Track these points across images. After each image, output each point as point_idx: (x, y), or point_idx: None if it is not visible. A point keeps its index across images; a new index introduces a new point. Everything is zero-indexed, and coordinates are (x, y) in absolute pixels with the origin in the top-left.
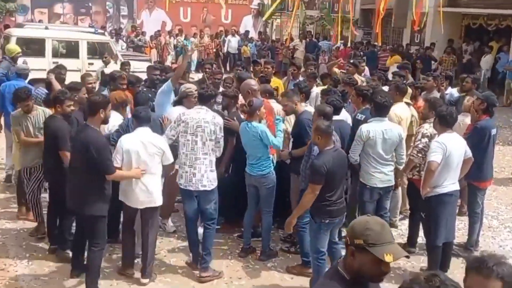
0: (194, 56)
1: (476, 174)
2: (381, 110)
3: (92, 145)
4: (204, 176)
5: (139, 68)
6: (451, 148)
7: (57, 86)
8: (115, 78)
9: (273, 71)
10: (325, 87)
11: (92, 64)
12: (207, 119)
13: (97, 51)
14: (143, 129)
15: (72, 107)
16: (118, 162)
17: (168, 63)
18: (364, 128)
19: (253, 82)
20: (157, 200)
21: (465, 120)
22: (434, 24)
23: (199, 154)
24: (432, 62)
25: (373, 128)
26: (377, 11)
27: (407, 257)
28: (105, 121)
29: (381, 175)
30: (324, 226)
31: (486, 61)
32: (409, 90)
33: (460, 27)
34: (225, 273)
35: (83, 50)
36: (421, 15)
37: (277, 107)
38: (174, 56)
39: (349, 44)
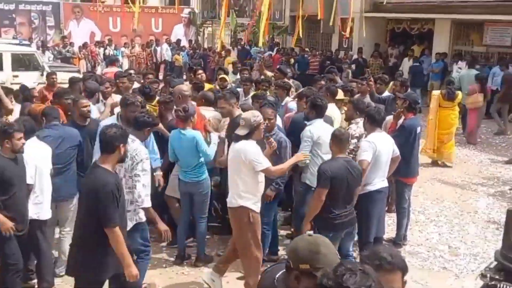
0: (125, 65)
1: (404, 171)
2: (321, 111)
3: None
4: None
5: (66, 79)
6: (380, 147)
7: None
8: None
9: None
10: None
11: (17, 76)
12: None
13: (23, 63)
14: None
15: (23, 140)
16: None
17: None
18: (312, 129)
19: (184, 88)
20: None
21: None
22: (361, 29)
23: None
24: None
25: (319, 129)
26: (296, 16)
27: None
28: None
29: None
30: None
31: (409, 64)
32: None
33: (385, 31)
34: (158, 281)
35: (7, 62)
36: (346, 20)
37: (212, 115)
38: (105, 67)
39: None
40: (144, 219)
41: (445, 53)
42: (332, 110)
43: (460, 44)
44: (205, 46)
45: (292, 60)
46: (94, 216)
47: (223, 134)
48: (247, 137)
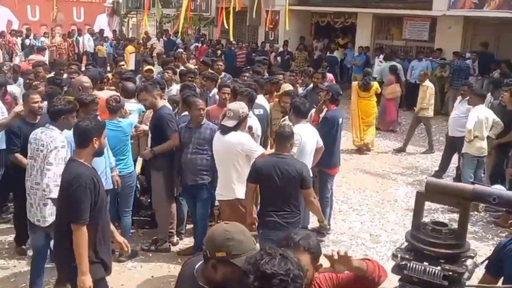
0: (46, 56)
1: (327, 161)
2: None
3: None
4: (38, 209)
5: None
6: (305, 138)
7: None
8: None
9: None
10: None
11: None
12: (44, 141)
13: None
14: None
15: None
16: None
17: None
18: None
19: (84, 79)
20: None
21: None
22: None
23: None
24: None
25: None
26: (220, 9)
27: None
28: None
29: None
30: (260, 236)
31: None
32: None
33: (310, 25)
34: None
35: None
36: (272, 13)
37: (131, 107)
38: (23, 57)
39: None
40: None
41: (368, 46)
42: (261, 101)
43: (381, 38)
44: (129, 36)
45: (218, 52)
46: (66, 210)
47: (146, 126)
48: (235, 128)
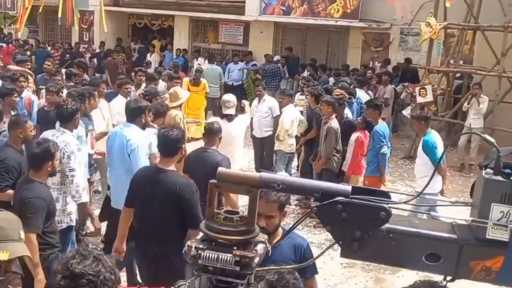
0: None
1: None
2: None
3: None
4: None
5: None
6: None
7: None
8: None
9: None
10: None
11: None
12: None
13: None
14: None
15: None
16: None
17: None
18: None
19: None
20: None
21: None
22: (101, 23)
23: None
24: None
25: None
26: (23, 7)
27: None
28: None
29: None
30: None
31: (153, 59)
32: None
33: (127, 26)
34: None
35: None
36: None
37: None
38: None
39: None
40: (74, 222)
41: (185, 49)
42: None
43: (198, 41)
44: None
45: (28, 53)
46: None
47: None
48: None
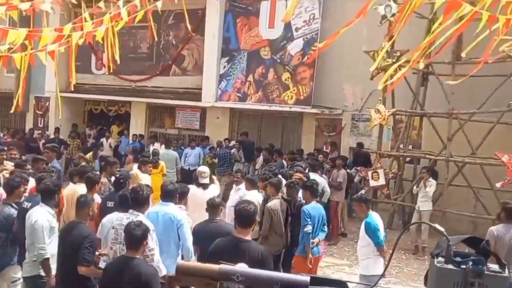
0: None
1: None
2: None
3: None
4: None
5: None
6: None
7: None
8: None
9: None
10: None
11: None
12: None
13: None
14: None
15: None
16: None
17: None
18: None
19: None
20: None
21: None
22: (57, 109)
23: None
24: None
25: None
26: None
27: None
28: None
29: None
30: None
31: (109, 144)
32: None
33: (83, 112)
34: None
35: None
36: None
37: None
38: None
39: None
40: None
41: (142, 134)
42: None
43: (155, 126)
44: None
45: None
46: None
47: None
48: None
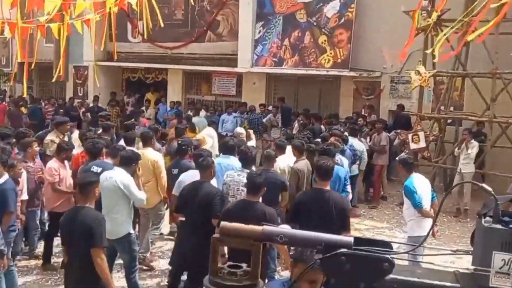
0: None
1: None
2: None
3: None
4: None
5: None
6: None
7: None
8: None
9: None
10: None
11: None
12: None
13: None
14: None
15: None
16: None
17: None
18: None
19: None
20: None
21: None
22: (96, 78)
23: None
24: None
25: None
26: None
27: None
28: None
29: None
30: None
31: (149, 113)
32: None
33: (121, 80)
34: None
35: None
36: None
37: None
38: None
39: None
40: None
41: (179, 101)
42: None
43: (192, 93)
44: None
45: (23, 110)
46: None
47: None
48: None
